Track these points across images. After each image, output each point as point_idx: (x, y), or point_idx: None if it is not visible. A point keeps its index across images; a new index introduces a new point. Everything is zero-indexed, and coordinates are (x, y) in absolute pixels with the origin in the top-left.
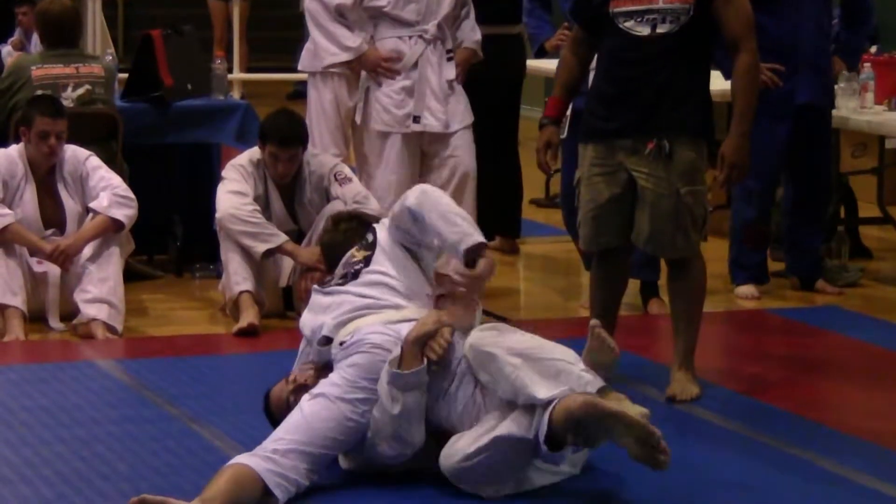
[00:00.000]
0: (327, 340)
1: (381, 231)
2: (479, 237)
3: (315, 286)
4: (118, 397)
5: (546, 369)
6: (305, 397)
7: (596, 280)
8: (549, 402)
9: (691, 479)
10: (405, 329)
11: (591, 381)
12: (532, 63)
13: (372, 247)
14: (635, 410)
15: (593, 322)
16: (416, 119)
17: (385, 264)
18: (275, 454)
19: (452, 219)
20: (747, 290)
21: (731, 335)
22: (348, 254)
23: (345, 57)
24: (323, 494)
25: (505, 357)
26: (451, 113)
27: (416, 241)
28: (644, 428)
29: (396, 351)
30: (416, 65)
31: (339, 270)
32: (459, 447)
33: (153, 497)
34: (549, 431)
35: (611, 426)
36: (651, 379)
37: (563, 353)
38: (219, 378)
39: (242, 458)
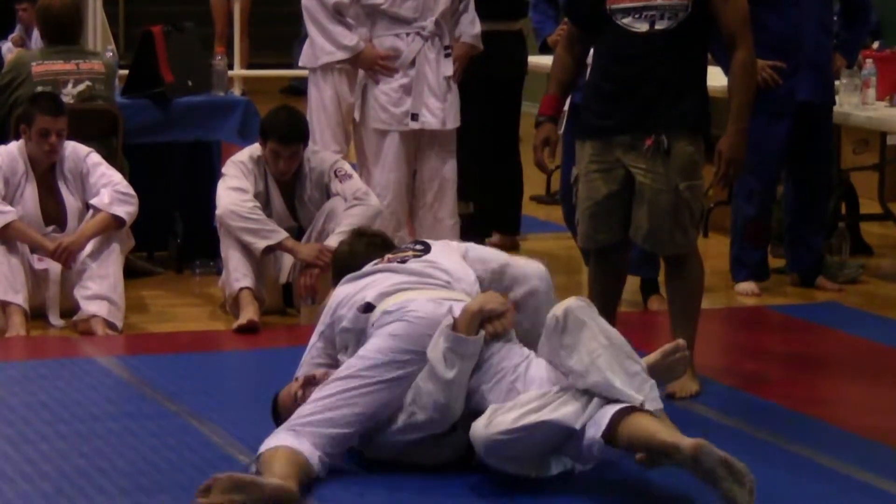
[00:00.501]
0: (369, 307)
1: (441, 245)
2: None
3: (347, 277)
4: (118, 394)
5: (628, 365)
6: (354, 358)
7: (594, 277)
8: (616, 397)
9: (690, 474)
10: (456, 306)
11: (655, 401)
12: (535, 59)
13: (425, 251)
14: (690, 441)
15: (681, 343)
16: (415, 117)
17: (440, 259)
18: (307, 426)
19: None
20: (747, 286)
21: (730, 332)
22: (380, 258)
23: (341, 56)
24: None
25: (596, 331)
26: (447, 110)
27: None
28: (747, 476)
29: (449, 319)
30: (413, 62)
31: (382, 263)
32: (501, 420)
33: (241, 476)
34: (610, 433)
35: (720, 472)
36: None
37: (643, 362)
38: (219, 374)
39: (285, 440)
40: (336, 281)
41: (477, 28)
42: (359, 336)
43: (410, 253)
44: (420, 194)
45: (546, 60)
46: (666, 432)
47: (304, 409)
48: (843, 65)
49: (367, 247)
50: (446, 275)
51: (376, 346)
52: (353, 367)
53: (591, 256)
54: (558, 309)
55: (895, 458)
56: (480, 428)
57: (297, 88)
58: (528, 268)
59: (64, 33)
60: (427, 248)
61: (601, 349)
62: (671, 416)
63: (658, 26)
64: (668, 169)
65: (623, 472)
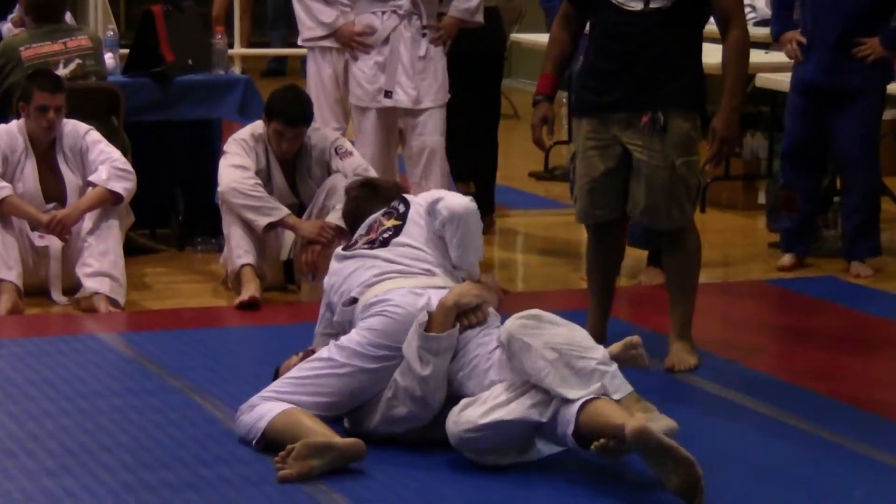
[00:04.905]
0: (353, 301)
1: (416, 206)
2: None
3: (338, 250)
4: (121, 370)
5: (581, 368)
6: (332, 343)
7: (593, 252)
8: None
9: (690, 448)
10: (435, 295)
11: (622, 386)
12: (517, 36)
13: (403, 217)
14: (665, 423)
15: (636, 340)
16: (388, 94)
17: (416, 238)
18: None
19: (469, 248)
20: (862, 268)
21: (728, 306)
22: (373, 218)
23: (320, 32)
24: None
25: (540, 350)
26: (422, 89)
27: (441, 236)
28: (692, 468)
29: (423, 315)
30: (387, 40)
31: (364, 235)
32: (469, 417)
33: (314, 441)
34: (578, 430)
35: (660, 458)
36: (650, 349)
37: (599, 353)
38: (221, 350)
39: (279, 404)
40: (349, 229)
41: (469, 3)
42: (347, 327)
43: (391, 224)
44: (409, 170)
45: (526, 37)
46: (619, 415)
47: (276, 385)
48: (879, 51)
49: (356, 201)
50: (425, 263)
51: (355, 338)
52: (331, 352)
53: (588, 232)
54: (502, 333)
55: (893, 430)
56: (451, 424)
57: (276, 70)
58: (448, 202)
59: (49, 12)
60: (405, 215)
61: (548, 366)
62: (671, 390)
63: (653, 4)
64: (664, 145)
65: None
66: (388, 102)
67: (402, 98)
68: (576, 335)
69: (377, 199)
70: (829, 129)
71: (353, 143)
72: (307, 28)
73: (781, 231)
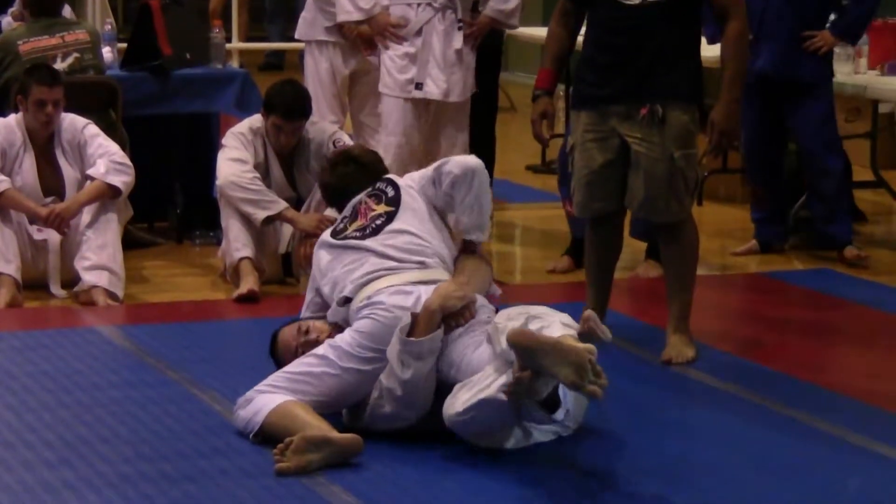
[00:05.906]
0: (346, 300)
1: (408, 189)
2: (485, 237)
3: (327, 237)
4: (119, 363)
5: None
6: (327, 342)
7: (591, 245)
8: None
9: (687, 440)
10: (426, 292)
11: (556, 331)
12: (530, 31)
13: (394, 203)
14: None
15: (587, 313)
16: (419, 86)
17: (412, 223)
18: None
19: (484, 206)
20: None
21: (726, 298)
22: (359, 201)
23: (357, 16)
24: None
25: (506, 323)
26: (452, 83)
27: (448, 203)
28: (579, 353)
29: (406, 318)
30: (420, 32)
31: (350, 218)
32: (457, 400)
33: (312, 434)
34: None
35: (545, 355)
36: (647, 342)
37: (555, 317)
38: (219, 343)
39: (276, 398)
40: (329, 203)
41: (507, 4)
42: (343, 326)
43: (382, 210)
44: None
45: (523, 31)
46: (509, 334)
47: (272, 379)
48: (831, 41)
49: (342, 178)
50: (419, 254)
51: (346, 338)
52: (325, 350)
53: (587, 225)
54: (490, 328)
55: (889, 421)
56: (445, 408)
57: (274, 64)
58: (458, 160)
59: (47, 6)
60: (397, 200)
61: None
62: (668, 383)
63: None
64: (663, 138)
65: (619, 433)
66: (418, 94)
67: (432, 90)
68: (552, 311)
69: (364, 176)
70: (789, 125)
71: (350, 136)
72: (344, 11)
73: (753, 221)
